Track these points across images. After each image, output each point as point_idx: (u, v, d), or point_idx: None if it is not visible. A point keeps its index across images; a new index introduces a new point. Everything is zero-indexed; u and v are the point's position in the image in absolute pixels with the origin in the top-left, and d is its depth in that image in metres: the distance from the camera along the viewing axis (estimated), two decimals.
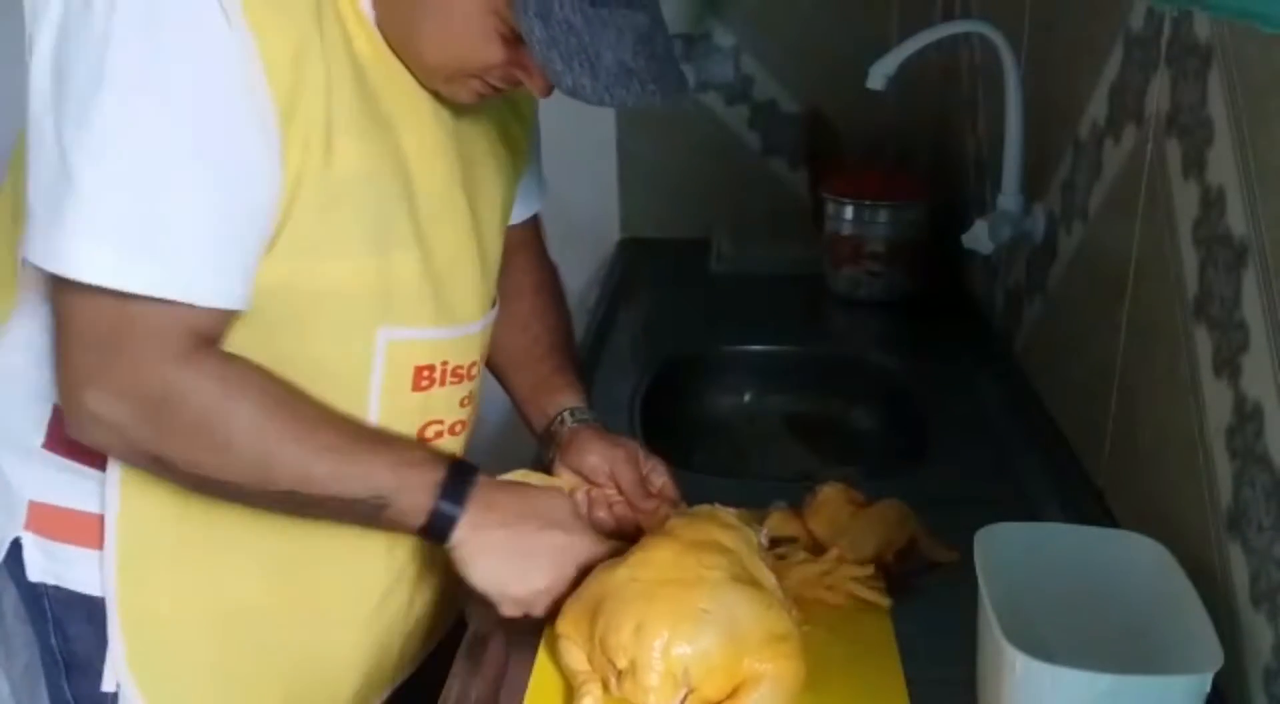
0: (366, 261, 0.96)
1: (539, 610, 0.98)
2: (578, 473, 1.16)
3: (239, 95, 0.85)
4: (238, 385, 0.91)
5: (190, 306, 0.86)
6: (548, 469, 1.17)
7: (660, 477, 1.16)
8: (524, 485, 1.04)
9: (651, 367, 1.66)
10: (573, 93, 0.89)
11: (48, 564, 1.02)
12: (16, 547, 1.02)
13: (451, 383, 1.06)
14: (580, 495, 1.13)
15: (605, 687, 0.92)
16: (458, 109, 1.03)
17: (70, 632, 1.03)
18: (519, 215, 1.24)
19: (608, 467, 1.14)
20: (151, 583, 1.01)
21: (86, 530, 1.00)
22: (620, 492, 1.14)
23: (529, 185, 1.25)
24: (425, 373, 1.04)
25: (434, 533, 0.96)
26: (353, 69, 0.92)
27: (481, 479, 0.98)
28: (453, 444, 1.08)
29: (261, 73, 0.85)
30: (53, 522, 1.01)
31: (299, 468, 0.92)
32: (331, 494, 0.93)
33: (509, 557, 0.97)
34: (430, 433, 1.06)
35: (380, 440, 0.97)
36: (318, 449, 0.92)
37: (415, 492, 0.95)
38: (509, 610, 0.98)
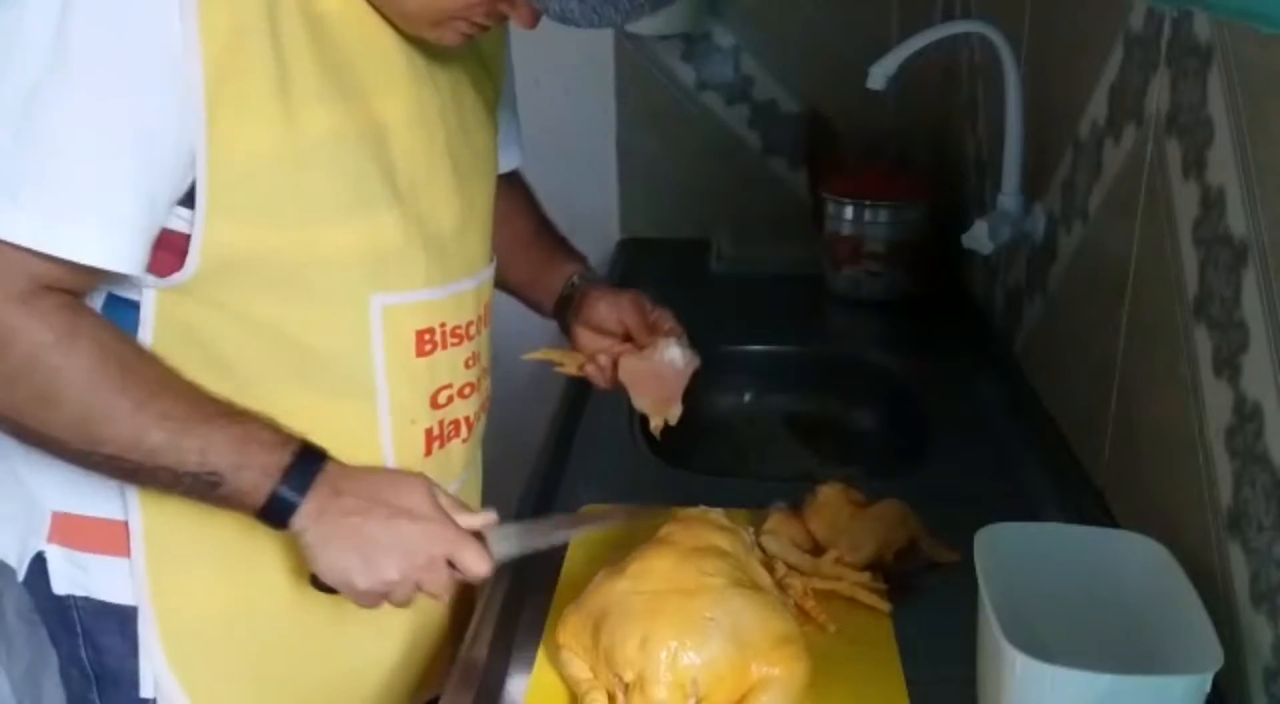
0: (350, 227, 0.95)
1: (399, 599, 0.95)
2: (589, 327, 1.22)
3: (156, 60, 0.84)
4: (74, 335, 0.87)
5: (48, 256, 0.84)
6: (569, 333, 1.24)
7: (667, 321, 1.21)
8: (377, 472, 0.98)
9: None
10: (561, 18, 0.90)
11: (76, 575, 1.01)
12: (39, 561, 1.01)
13: (453, 344, 1.05)
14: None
15: (612, 699, 0.91)
16: (435, 66, 1.02)
17: (101, 643, 1.02)
18: (506, 165, 1.24)
19: (615, 314, 1.20)
20: (184, 587, 1.00)
21: (113, 538, 0.99)
22: (630, 337, 1.20)
23: (506, 140, 1.23)
24: (426, 337, 1.02)
25: (272, 518, 0.92)
26: (313, 35, 0.91)
27: (330, 465, 0.93)
28: (465, 407, 1.08)
29: (196, 41, 0.84)
30: (78, 531, 1.01)
31: (129, 432, 0.88)
32: (162, 464, 0.89)
33: (353, 547, 0.92)
34: (442, 398, 1.05)
35: (226, 415, 0.91)
36: (154, 415, 0.88)
37: (254, 472, 0.90)
38: (363, 603, 0.95)
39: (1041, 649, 0.81)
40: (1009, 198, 1.50)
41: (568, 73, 2.15)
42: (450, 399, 1.06)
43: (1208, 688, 0.79)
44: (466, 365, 1.08)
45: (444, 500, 0.96)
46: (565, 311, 1.25)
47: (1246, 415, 0.89)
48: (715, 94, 2.18)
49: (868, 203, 1.85)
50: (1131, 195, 1.14)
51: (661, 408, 1.18)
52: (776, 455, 1.69)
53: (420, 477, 0.97)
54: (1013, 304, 1.60)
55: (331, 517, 0.92)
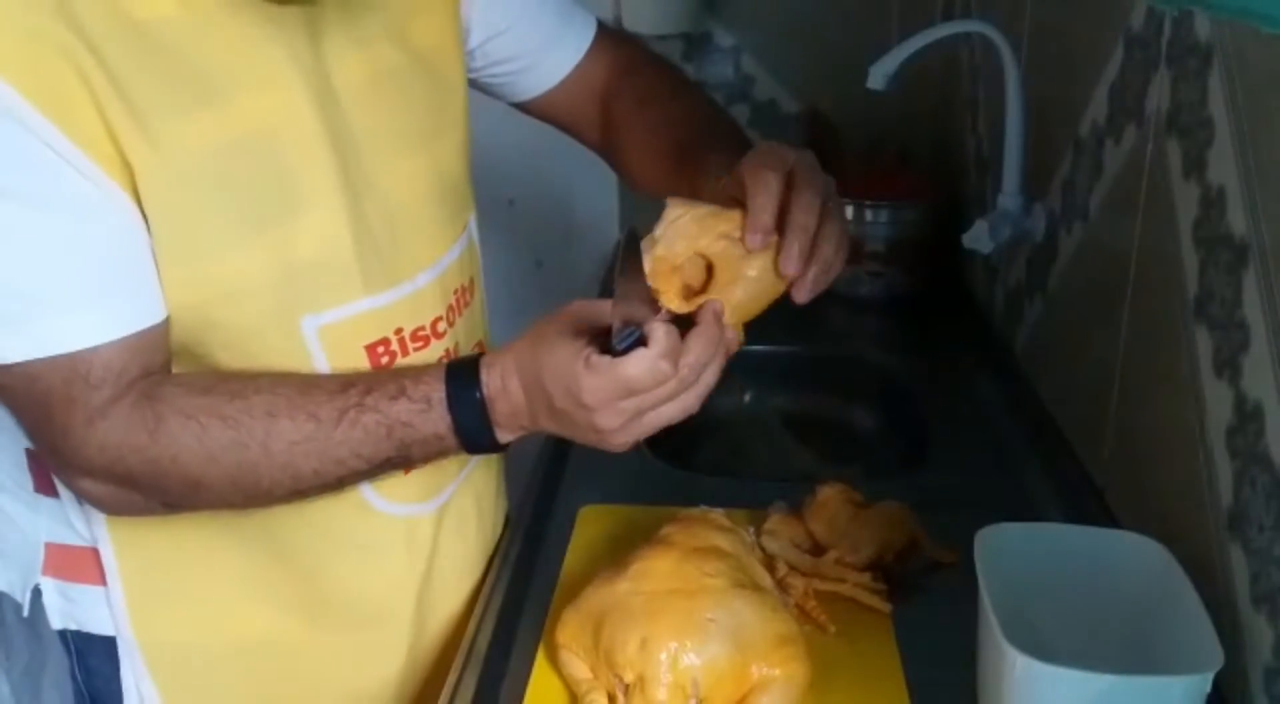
0: (254, 249, 0.87)
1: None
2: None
3: (26, 142, 0.78)
4: (160, 421, 0.85)
5: (82, 352, 0.82)
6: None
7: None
8: (531, 353, 0.86)
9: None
10: None
11: (67, 607, 1.00)
12: (37, 594, 1.01)
13: (416, 349, 0.97)
14: None
15: (612, 700, 0.91)
16: (328, 35, 0.90)
17: (91, 665, 1.02)
18: (560, 70, 1.11)
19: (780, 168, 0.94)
20: (167, 617, 0.99)
21: (94, 567, 0.98)
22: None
23: (547, 39, 1.09)
24: (380, 349, 0.94)
25: (481, 451, 0.89)
26: (143, 49, 0.81)
27: (488, 378, 0.86)
28: None
29: (31, 108, 0.77)
30: (66, 562, 1.00)
31: (280, 476, 0.86)
32: (333, 479, 0.87)
33: (572, 428, 0.86)
34: None
35: (354, 405, 0.86)
36: (285, 449, 0.85)
37: (425, 443, 0.87)
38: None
39: (1042, 649, 0.81)
40: (1009, 197, 1.49)
41: None
42: None
43: (1208, 688, 0.79)
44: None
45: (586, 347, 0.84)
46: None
47: (1247, 415, 0.89)
48: (715, 94, 2.17)
49: (868, 203, 1.85)
50: (1132, 195, 1.13)
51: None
52: (776, 455, 1.69)
53: (558, 333, 0.85)
54: (1013, 304, 1.60)
55: (539, 420, 0.87)
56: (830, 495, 1.15)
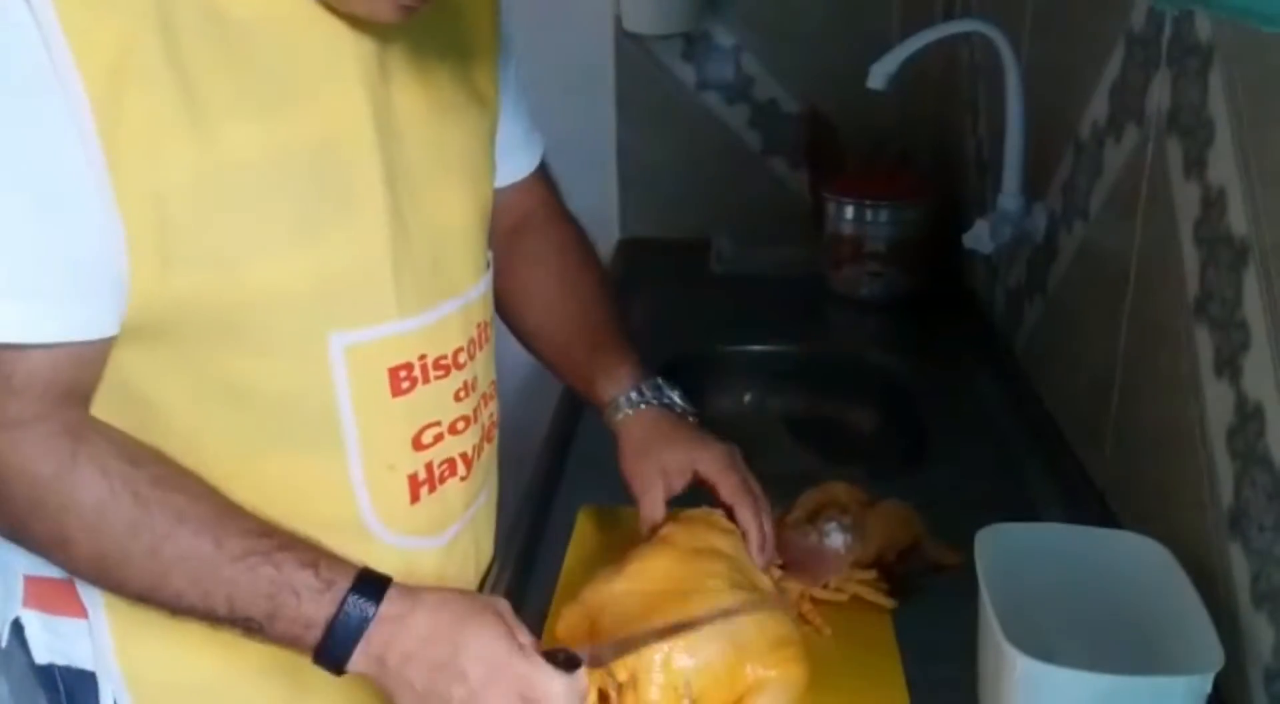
0: (295, 258, 0.84)
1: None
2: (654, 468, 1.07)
3: (29, 107, 0.73)
4: (75, 465, 0.78)
5: (9, 347, 0.75)
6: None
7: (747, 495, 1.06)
8: (443, 610, 0.82)
9: (651, 367, 1.65)
10: None
11: (52, 641, 0.96)
12: (18, 626, 0.96)
13: (437, 378, 0.94)
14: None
15: (605, 698, 0.91)
16: (397, 61, 0.90)
17: (77, 699, 0.97)
18: (506, 177, 1.11)
19: (690, 469, 1.06)
20: (150, 650, 0.94)
21: (74, 600, 0.93)
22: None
23: (512, 140, 1.10)
24: (402, 374, 0.91)
25: (324, 666, 0.82)
26: (224, 45, 0.79)
27: (386, 610, 0.80)
28: (460, 443, 0.97)
29: (73, 74, 0.73)
30: (47, 594, 0.95)
31: (148, 577, 0.80)
32: (190, 607, 0.80)
33: (417, 694, 0.81)
34: (428, 438, 0.94)
35: (257, 552, 0.80)
36: (172, 558, 0.79)
37: (290, 624, 0.80)
38: None
39: (1042, 649, 0.81)
40: (1010, 197, 1.49)
41: (568, 73, 2.14)
42: (439, 437, 0.95)
43: (1208, 688, 0.79)
44: (457, 397, 0.96)
45: (523, 636, 0.83)
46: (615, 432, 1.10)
47: (1247, 415, 0.89)
48: (715, 94, 2.18)
49: (868, 202, 1.85)
50: (1132, 195, 1.13)
51: (811, 582, 1.08)
52: (777, 455, 1.69)
53: (490, 607, 0.84)
54: (1013, 304, 1.60)
55: (393, 670, 0.81)
56: (836, 492, 1.15)
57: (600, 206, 2.23)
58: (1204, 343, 0.97)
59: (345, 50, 0.85)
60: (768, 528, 1.05)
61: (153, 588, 0.80)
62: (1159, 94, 1.08)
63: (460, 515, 1.00)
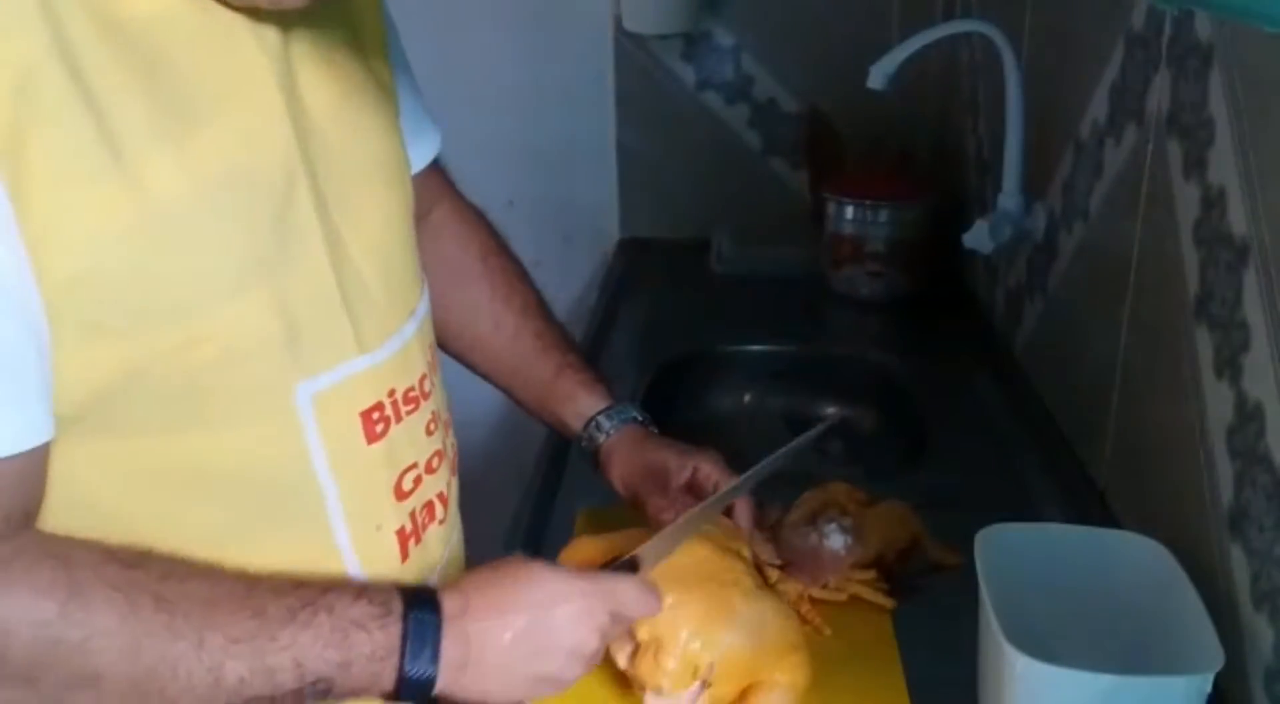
0: (248, 300, 0.72)
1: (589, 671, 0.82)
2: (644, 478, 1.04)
3: None
4: (78, 590, 0.67)
5: None
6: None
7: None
8: (494, 585, 0.79)
9: (651, 367, 1.66)
10: None
11: None
12: None
13: (409, 413, 0.84)
14: None
15: (610, 649, 0.89)
16: (300, 58, 0.77)
17: None
18: (413, 165, 0.97)
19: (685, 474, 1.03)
20: None
21: None
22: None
23: (410, 126, 0.95)
24: (375, 416, 0.81)
25: (409, 697, 0.76)
26: (125, 58, 0.66)
27: (448, 605, 0.76)
28: (437, 482, 0.88)
29: None
30: None
31: (201, 680, 0.69)
32: (255, 696, 0.70)
33: (514, 682, 0.78)
34: (408, 483, 0.84)
35: (304, 604, 0.72)
36: (221, 646, 0.69)
37: (367, 663, 0.73)
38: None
39: (1042, 649, 0.81)
40: (1010, 197, 1.50)
41: (567, 73, 2.14)
42: (418, 480, 0.85)
43: (1208, 688, 0.79)
44: (428, 431, 0.87)
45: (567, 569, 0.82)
46: (593, 464, 1.08)
47: (1247, 415, 0.89)
48: (715, 94, 2.18)
49: (868, 203, 1.85)
50: (1132, 195, 1.13)
51: (810, 582, 1.08)
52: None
53: (519, 559, 0.82)
54: (1013, 304, 1.60)
55: (475, 666, 0.76)
56: (836, 493, 1.16)
57: (600, 206, 2.23)
58: (1204, 343, 0.97)
59: (251, 47, 0.73)
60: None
61: (210, 692, 0.69)
62: (1159, 94, 1.07)
63: (435, 567, 0.90)
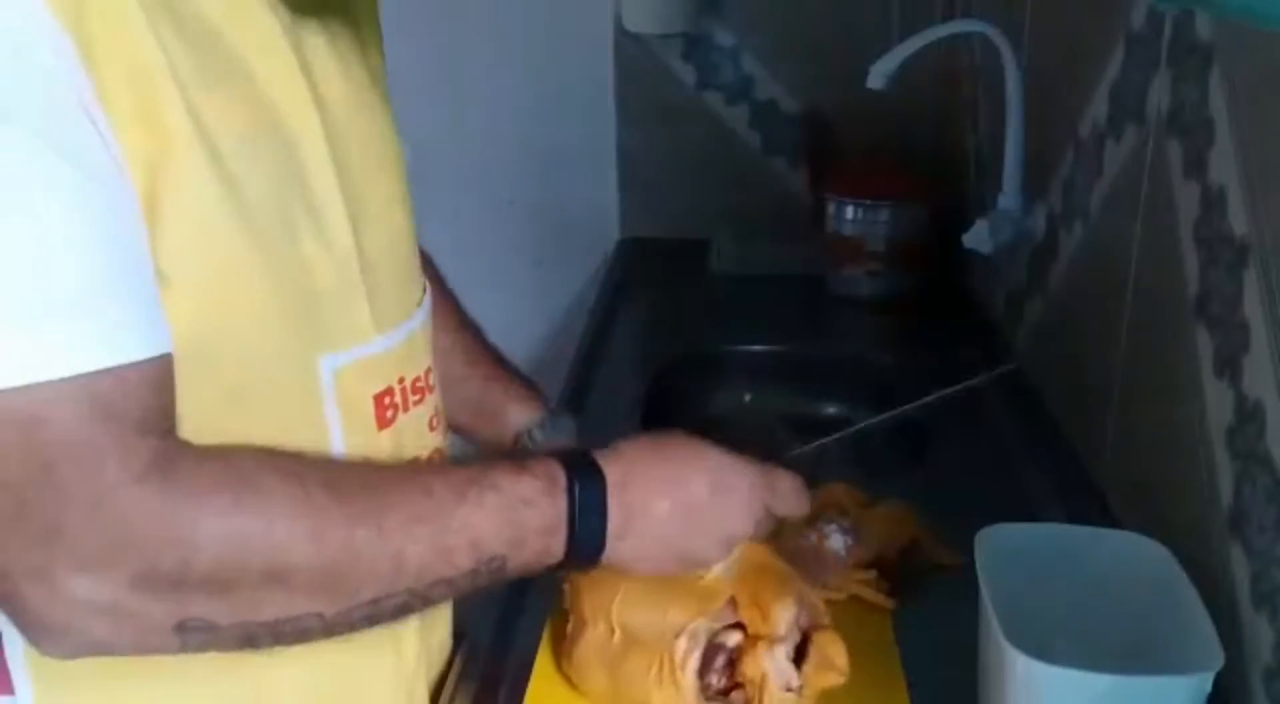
0: (282, 263, 0.71)
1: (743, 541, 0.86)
2: None
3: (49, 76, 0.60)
4: (245, 481, 0.66)
5: (114, 370, 0.61)
6: None
7: None
8: (654, 455, 0.82)
9: (651, 367, 1.66)
10: None
11: None
12: None
13: (414, 404, 0.83)
14: None
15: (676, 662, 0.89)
16: (312, 46, 0.77)
17: None
18: None
19: None
20: None
21: (6, 677, 0.75)
22: None
23: None
24: (386, 400, 0.80)
25: (577, 565, 0.79)
26: (168, 7, 0.66)
27: (612, 475, 0.78)
28: None
29: (72, 45, 0.60)
30: None
31: (387, 563, 0.68)
32: (435, 580, 0.71)
33: (672, 555, 0.81)
34: None
35: (468, 481, 0.73)
36: (400, 526, 0.69)
37: (537, 537, 0.74)
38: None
39: (1042, 649, 0.81)
40: (1010, 197, 1.50)
41: (568, 73, 2.14)
42: None
43: (1208, 688, 0.79)
44: (431, 426, 0.86)
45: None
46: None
47: (1247, 415, 0.89)
48: (715, 94, 2.18)
49: (868, 202, 1.85)
50: (1132, 195, 1.13)
51: (810, 584, 1.10)
52: (777, 456, 1.68)
53: (677, 434, 0.84)
54: (1013, 304, 1.60)
55: (635, 536, 0.79)
56: (835, 494, 1.16)
57: (600, 206, 2.23)
58: (1204, 343, 0.97)
59: (269, 21, 0.72)
60: None
61: (393, 577, 0.69)
62: (1159, 94, 1.07)
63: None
